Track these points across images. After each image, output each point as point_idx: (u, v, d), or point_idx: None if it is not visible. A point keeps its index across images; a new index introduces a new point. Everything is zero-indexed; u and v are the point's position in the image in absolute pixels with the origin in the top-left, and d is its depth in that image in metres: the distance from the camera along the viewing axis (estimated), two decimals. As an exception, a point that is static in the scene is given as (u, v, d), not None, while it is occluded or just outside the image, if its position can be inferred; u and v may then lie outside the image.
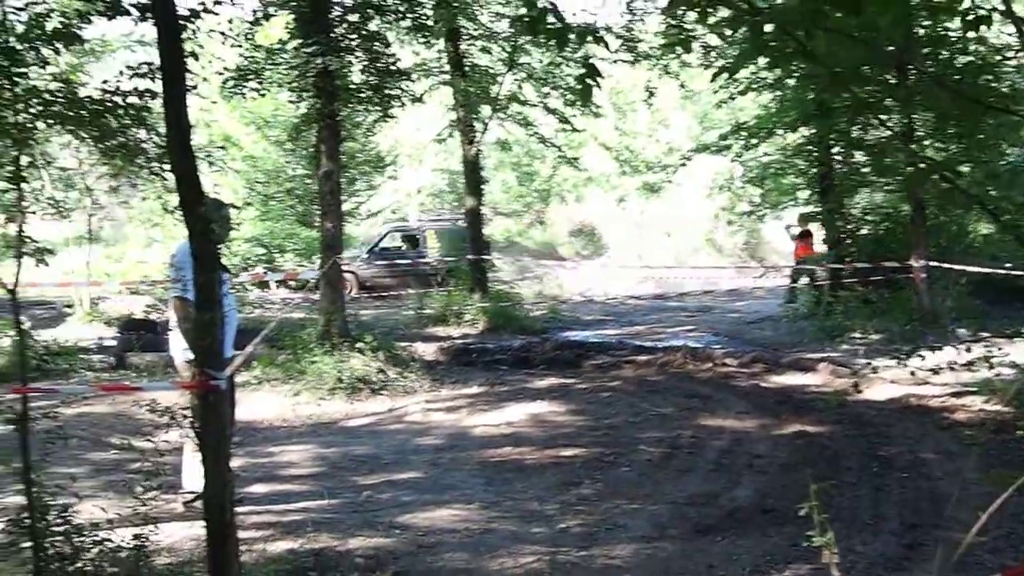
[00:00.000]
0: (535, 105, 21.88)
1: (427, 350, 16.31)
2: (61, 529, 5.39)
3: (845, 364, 13.48)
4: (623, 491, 8.57)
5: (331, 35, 14.46)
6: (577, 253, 39.28)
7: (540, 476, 9.21)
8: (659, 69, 21.40)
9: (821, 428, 10.49)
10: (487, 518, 7.89)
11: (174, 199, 4.95)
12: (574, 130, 22.95)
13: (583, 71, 4.07)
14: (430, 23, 17.56)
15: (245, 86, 15.37)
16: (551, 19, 3.86)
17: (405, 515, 7.96)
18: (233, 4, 9.68)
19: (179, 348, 6.12)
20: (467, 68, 20.45)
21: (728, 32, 4.28)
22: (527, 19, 3.85)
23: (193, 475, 6.58)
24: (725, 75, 4.71)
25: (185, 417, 5.13)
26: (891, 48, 7.58)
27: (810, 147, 19.07)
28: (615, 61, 20.63)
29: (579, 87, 4.14)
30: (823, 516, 4.14)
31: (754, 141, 19.80)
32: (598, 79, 4.09)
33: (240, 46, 14.90)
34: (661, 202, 39.23)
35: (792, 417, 11.03)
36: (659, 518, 7.76)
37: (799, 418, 10.94)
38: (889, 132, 15.28)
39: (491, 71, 21.18)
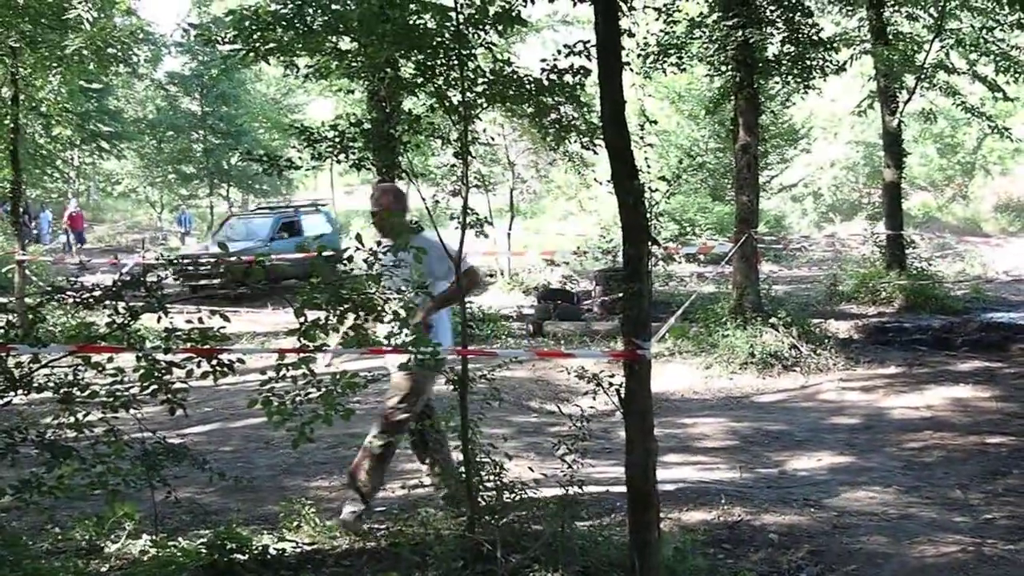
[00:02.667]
0: (963, 73, 20.75)
1: (841, 327, 15.94)
2: (493, 485, 5.72)
3: None
4: (1057, 484, 8.05)
5: (752, 6, 14.35)
6: (1003, 229, 36.97)
7: (963, 463, 8.81)
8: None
9: None
10: (906, 503, 7.63)
11: (596, 174, 5.10)
12: (1006, 98, 21.55)
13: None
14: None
15: (666, 61, 15.59)
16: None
17: (820, 494, 7.83)
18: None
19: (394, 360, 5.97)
20: (890, 36, 19.66)
21: None
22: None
23: (357, 496, 6.54)
24: None
25: (611, 385, 5.27)
26: None
27: None
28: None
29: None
30: None
31: None
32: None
33: (677, 22, 15.13)
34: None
35: None
36: (1098, 516, 7.22)
37: None
38: None
39: (916, 38, 20.28)
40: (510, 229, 23.48)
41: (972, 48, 20.35)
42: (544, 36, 25.61)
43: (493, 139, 20.04)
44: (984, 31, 19.99)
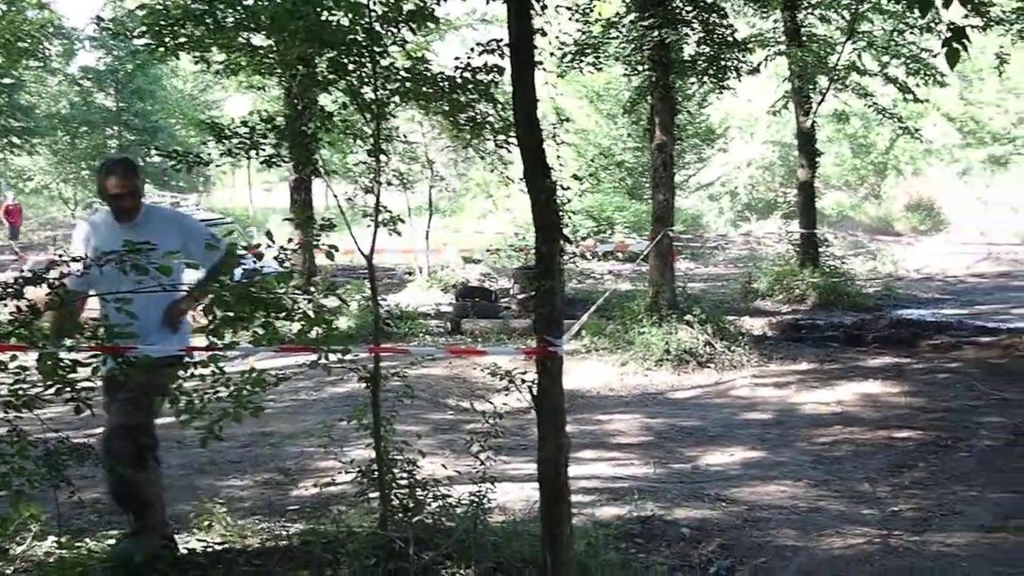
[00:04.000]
0: (875, 75, 21.14)
1: (755, 324, 16.18)
2: (406, 482, 5.72)
3: None
4: (961, 477, 8.22)
5: (668, 7, 14.48)
6: (914, 228, 37.62)
7: (871, 457, 8.98)
8: (1013, 34, 20.22)
9: None
10: (815, 496, 7.77)
11: (512, 171, 5.13)
12: (916, 100, 21.98)
13: (949, 35, 3.94)
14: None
15: (583, 60, 15.68)
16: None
17: (731, 488, 7.95)
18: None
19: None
20: (804, 38, 19.96)
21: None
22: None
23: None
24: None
25: (523, 382, 5.30)
26: None
27: None
28: (964, 27, 19.59)
29: (946, 53, 4.01)
30: None
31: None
32: (964, 42, 3.95)
33: (589, 21, 15.22)
34: (1008, 176, 37.13)
35: None
36: (1000, 507, 7.38)
37: None
38: None
39: (829, 40, 20.62)
40: (429, 227, 23.41)
41: (883, 50, 20.74)
42: (464, 34, 25.60)
43: (406, 136, 19.98)
44: (895, 33, 20.38)
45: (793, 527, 6.94)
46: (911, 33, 19.98)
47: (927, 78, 20.67)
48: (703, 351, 13.58)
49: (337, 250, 5.15)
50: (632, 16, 14.89)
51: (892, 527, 6.95)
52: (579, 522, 6.70)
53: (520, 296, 18.06)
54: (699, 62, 15.47)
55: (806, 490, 7.94)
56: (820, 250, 20.87)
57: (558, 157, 11.65)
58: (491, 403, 6.25)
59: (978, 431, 9.60)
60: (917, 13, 17.34)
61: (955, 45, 3.90)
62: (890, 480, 8.21)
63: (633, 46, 15.01)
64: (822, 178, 33.01)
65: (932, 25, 17.17)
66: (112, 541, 5.79)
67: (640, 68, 15.33)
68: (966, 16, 18.99)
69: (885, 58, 20.95)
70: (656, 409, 11.38)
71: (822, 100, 20.68)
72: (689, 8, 14.93)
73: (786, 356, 14.03)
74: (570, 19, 13.59)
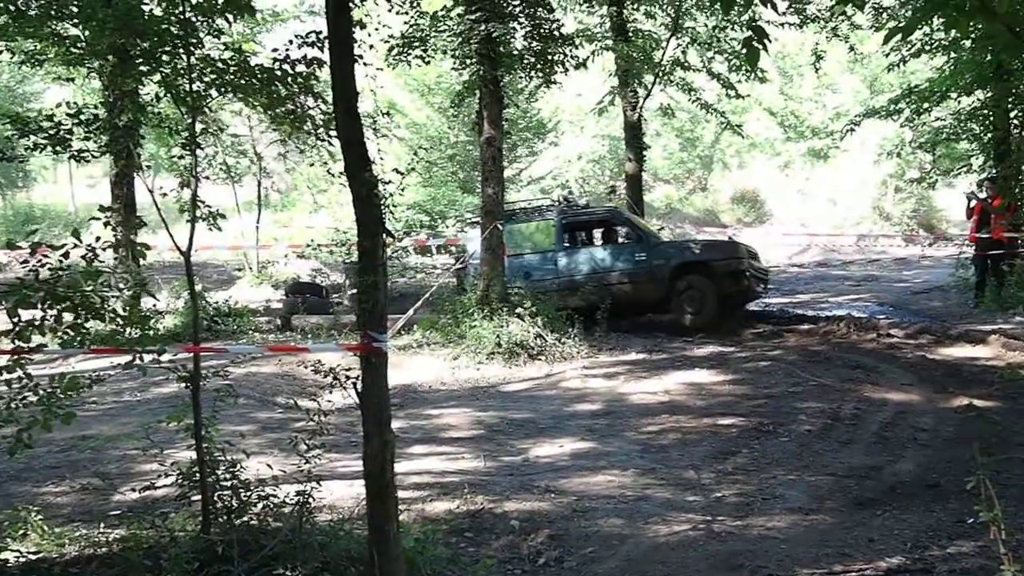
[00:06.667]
0: (699, 70, 21.65)
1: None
2: (229, 484, 5.60)
3: (1019, 337, 12.99)
4: (781, 461, 8.47)
5: (495, 1, 14.52)
6: (739, 220, 38.70)
7: (697, 445, 9.16)
8: (828, 32, 20.96)
9: (991, 403, 10.14)
10: (642, 485, 7.89)
11: (340, 166, 5.06)
12: (738, 96, 22.60)
13: (749, 34, 4.01)
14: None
15: (410, 53, 15.62)
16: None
17: (561, 480, 8.01)
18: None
19: None
20: (630, 33, 20.29)
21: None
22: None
23: None
24: (898, 36, 4.55)
25: (348, 378, 5.25)
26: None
27: (986, 111, 18.37)
28: (782, 24, 20.23)
29: (745, 51, 4.08)
30: (990, 490, 4.00)
31: (926, 105, 19.18)
32: (765, 42, 4.03)
33: (406, 14, 15.14)
34: (827, 168, 38.46)
35: (960, 391, 10.69)
36: (818, 490, 7.64)
37: (967, 392, 10.58)
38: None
39: (655, 36, 21.02)
40: (258, 222, 23.03)
41: (707, 47, 21.26)
42: (292, 26, 25.22)
43: (224, 129, 19.55)
44: (717, 30, 20.90)
45: (620, 516, 7.04)
46: (733, 30, 20.50)
47: (749, 74, 21.26)
48: (534, 343, 13.66)
49: (149, 248, 5.00)
50: (459, 10, 14.89)
51: (716, 513, 7.12)
52: (408, 518, 6.69)
53: (352, 291, 17.90)
54: (526, 56, 15.54)
55: (633, 479, 8.05)
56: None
57: (379, 151, 11.56)
58: (319, 401, 6.17)
59: (798, 416, 9.90)
60: (735, 10, 17.81)
61: (755, 44, 3.98)
62: (714, 467, 8.39)
63: (461, 40, 15.01)
64: (650, 171, 33.66)
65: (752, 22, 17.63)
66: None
67: (468, 62, 15.34)
68: (783, 13, 19.68)
69: (709, 54, 21.48)
70: (487, 402, 11.40)
71: (648, 95, 21.08)
72: (516, 2, 15.00)
73: (615, 347, 14.21)
74: (390, 11, 13.48)
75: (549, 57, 15.57)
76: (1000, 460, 7.65)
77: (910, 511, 7.04)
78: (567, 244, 16.81)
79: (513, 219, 16.49)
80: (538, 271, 16.05)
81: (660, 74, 20.71)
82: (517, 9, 14.98)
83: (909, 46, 18.32)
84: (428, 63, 16.86)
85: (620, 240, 16.66)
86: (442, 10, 15.48)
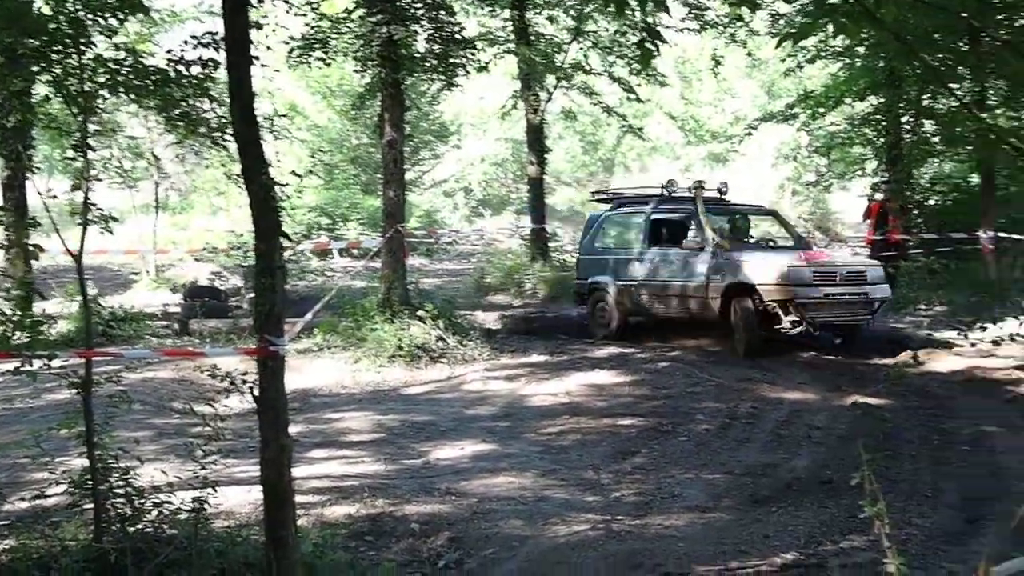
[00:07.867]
0: (600, 74, 21.84)
1: (488, 318, 16.41)
2: (122, 491, 5.50)
3: (908, 336, 13.31)
4: (679, 461, 8.59)
5: (396, 4, 14.46)
6: (640, 223, 39.08)
7: (596, 445, 9.24)
8: (726, 37, 21.28)
9: (882, 400, 10.39)
10: (542, 486, 7.93)
11: (237, 168, 5.01)
12: (639, 100, 22.85)
13: (643, 35, 4.06)
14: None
15: (311, 55, 15.49)
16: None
17: (461, 482, 8.02)
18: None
19: None
20: (532, 37, 20.40)
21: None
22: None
23: None
24: (790, 42, 4.64)
25: (244, 383, 5.20)
26: (963, 14, 7.39)
27: (879, 116, 18.84)
28: (682, 29, 20.52)
29: (639, 52, 4.13)
30: (875, 486, 4.09)
31: (821, 110, 19.62)
32: (658, 43, 4.08)
33: (305, 15, 15.03)
34: (726, 171, 39.03)
35: (852, 389, 10.96)
36: (715, 488, 7.76)
37: (860, 390, 10.84)
38: (959, 101, 15.00)
39: (556, 40, 21.16)
40: (156, 225, 22.63)
41: (608, 50, 21.45)
42: (191, 27, 24.85)
43: (118, 130, 19.17)
44: (618, 34, 21.09)
45: (520, 517, 7.07)
46: (634, 34, 20.69)
47: (649, 78, 21.49)
48: (436, 346, 13.63)
49: (42, 250, 4.90)
50: (361, 12, 14.81)
51: (615, 512, 7.19)
52: (307, 523, 6.64)
53: (250, 295, 17.70)
54: (428, 59, 15.51)
55: (533, 480, 8.09)
56: (550, 245, 21.39)
57: (277, 153, 11.46)
58: (216, 406, 6.10)
59: (696, 416, 10.04)
60: (637, 13, 17.99)
61: (648, 45, 4.03)
62: (613, 467, 8.47)
63: (362, 42, 14.93)
64: (552, 174, 33.83)
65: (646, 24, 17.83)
66: None
67: (369, 64, 15.27)
68: (683, 19, 19.94)
69: (610, 58, 21.67)
70: (388, 406, 11.36)
71: (549, 98, 21.23)
72: (418, 5, 14.95)
73: (517, 349, 14.25)
74: (288, 12, 13.35)
75: (451, 60, 15.55)
76: (888, 456, 7.89)
77: (804, 507, 7.20)
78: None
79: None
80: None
81: (562, 77, 20.85)
82: (419, 12, 14.93)
83: (805, 52, 18.72)
84: (329, 65, 16.76)
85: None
86: (343, 12, 15.38)
